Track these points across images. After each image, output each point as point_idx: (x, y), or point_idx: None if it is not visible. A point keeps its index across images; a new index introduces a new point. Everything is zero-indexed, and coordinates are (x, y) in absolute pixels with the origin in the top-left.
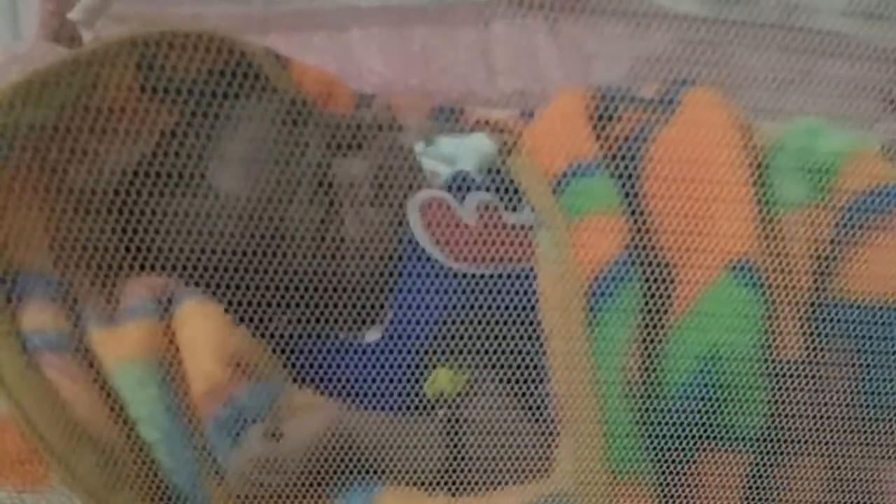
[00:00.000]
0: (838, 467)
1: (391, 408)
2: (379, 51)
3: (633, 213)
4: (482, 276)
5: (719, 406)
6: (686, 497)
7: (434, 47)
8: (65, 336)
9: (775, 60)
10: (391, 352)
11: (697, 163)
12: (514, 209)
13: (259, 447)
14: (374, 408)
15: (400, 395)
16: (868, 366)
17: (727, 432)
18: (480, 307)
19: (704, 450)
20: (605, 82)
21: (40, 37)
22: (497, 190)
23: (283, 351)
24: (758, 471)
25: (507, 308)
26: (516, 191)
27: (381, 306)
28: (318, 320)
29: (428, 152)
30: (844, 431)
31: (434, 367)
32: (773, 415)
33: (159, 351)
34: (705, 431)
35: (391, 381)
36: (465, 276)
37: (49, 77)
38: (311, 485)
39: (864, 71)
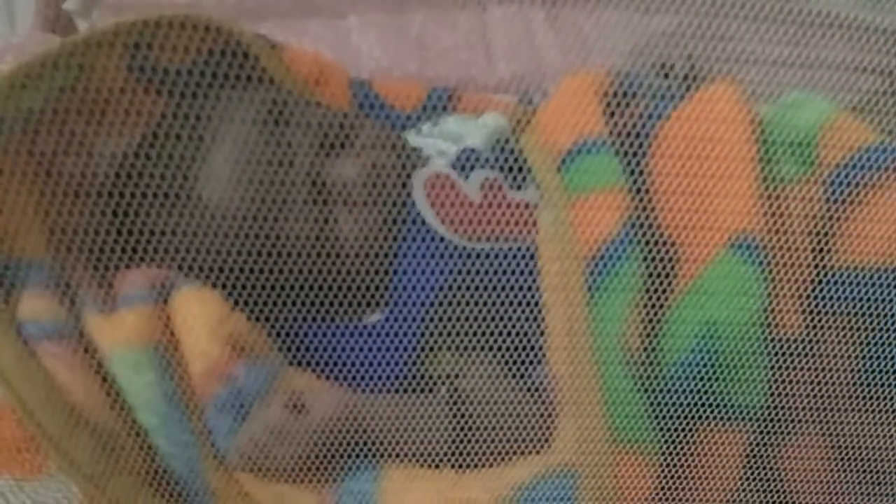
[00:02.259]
0: (840, 442)
1: (394, 381)
2: (376, 37)
3: (638, 190)
4: (483, 251)
5: (719, 382)
6: (686, 470)
7: (432, 33)
8: (61, 324)
9: (774, 43)
10: (393, 324)
11: (703, 139)
12: (519, 187)
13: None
14: (378, 384)
15: (401, 369)
16: (872, 330)
17: (727, 408)
18: (481, 281)
19: (704, 424)
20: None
21: (36, 27)
22: (503, 167)
23: (279, 336)
24: (758, 446)
25: (506, 284)
26: (521, 168)
27: (382, 294)
28: (318, 312)
29: (434, 132)
30: (847, 405)
31: (435, 340)
32: (773, 391)
33: (156, 337)
34: (704, 407)
35: (393, 355)
36: (466, 250)
37: (40, 65)
38: (316, 465)
39: (862, 53)
